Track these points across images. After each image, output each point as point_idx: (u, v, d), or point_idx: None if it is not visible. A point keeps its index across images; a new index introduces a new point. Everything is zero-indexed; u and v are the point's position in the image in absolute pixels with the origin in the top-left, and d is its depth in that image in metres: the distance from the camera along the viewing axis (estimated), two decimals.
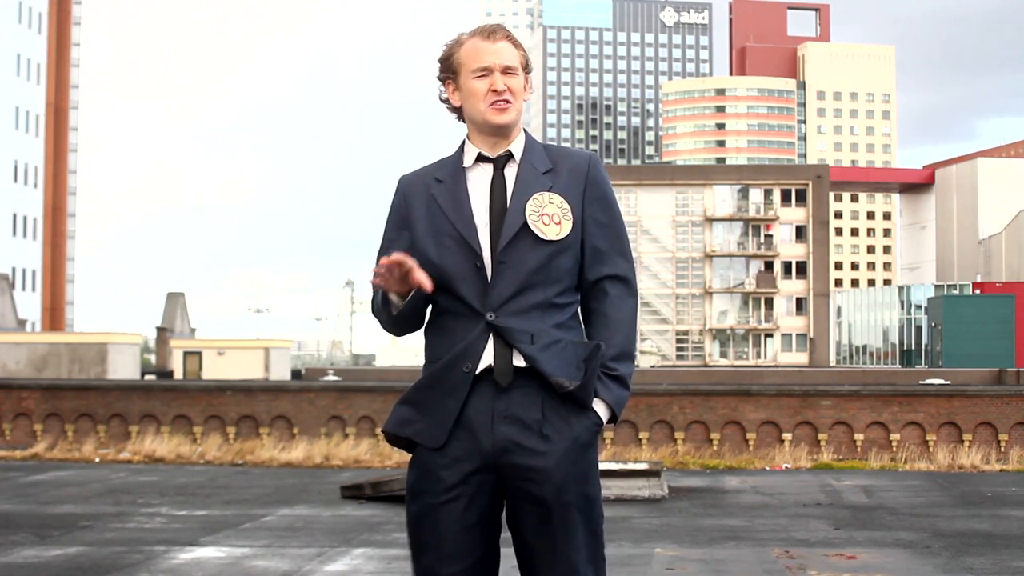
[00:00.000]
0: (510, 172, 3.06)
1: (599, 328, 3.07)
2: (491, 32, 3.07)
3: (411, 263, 2.93)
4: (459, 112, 3.13)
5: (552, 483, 2.94)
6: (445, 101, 3.13)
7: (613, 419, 3.06)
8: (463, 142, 3.13)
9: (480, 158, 3.07)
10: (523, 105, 3.10)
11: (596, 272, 3.07)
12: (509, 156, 3.07)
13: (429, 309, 3.12)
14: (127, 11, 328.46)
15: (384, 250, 3.11)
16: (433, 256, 3.01)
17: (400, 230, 3.10)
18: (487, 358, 2.96)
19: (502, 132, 3.06)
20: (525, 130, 3.15)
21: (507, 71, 3.05)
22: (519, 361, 2.96)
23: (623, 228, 3.13)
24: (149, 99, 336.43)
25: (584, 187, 3.07)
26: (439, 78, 3.13)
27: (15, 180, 76.72)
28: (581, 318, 3.14)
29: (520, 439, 2.94)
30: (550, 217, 3.00)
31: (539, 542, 2.98)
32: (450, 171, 3.09)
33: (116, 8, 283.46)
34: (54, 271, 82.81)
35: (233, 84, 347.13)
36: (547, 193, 3.02)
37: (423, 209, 3.06)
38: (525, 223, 2.98)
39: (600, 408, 3.01)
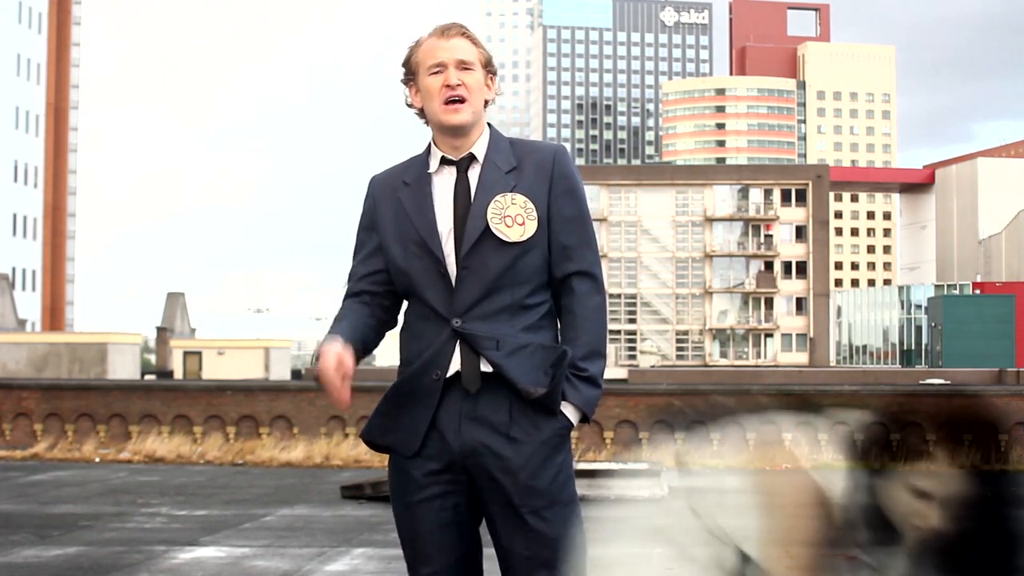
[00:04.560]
0: (474, 174, 3.02)
1: (568, 327, 3.03)
2: (445, 30, 3.04)
3: (343, 371, 2.93)
4: (424, 115, 3.08)
5: (520, 486, 2.91)
6: (410, 106, 3.10)
7: (585, 419, 3.03)
8: (429, 144, 3.10)
9: (444, 161, 3.04)
10: (482, 104, 3.04)
11: (563, 269, 3.03)
12: (472, 158, 3.03)
13: (403, 311, 3.12)
14: (127, 11, 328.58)
15: (357, 251, 3.12)
16: (400, 261, 3.01)
17: (369, 232, 3.10)
18: (455, 364, 2.95)
19: (460, 132, 3.01)
20: (491, 125, 3.10)
21: (461, 66, 3.00)
22: (486, 367, 2.93)
23: (589, 219, 3.09)
24: (149, 99, 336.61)
25: (550, 182, 3.02)
26: (403, 81, 3.10)
27: (15, 180, 76.72)
28: (555, 315, 3.10)
29: (487, 441, 2.92)
30: (512, 219, 2.96)
31: (514, 547, 2.94)
32: (416, 174, 3.06)
33: (116, 8, 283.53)
34: (54, 271, 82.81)
35: (234, 85, 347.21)
36: (509, 194, 2.98)
37: (390, 213, 3.05)
38: (487, 227, 2.94)
39: (569, 411, 2.98)
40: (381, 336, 3.17)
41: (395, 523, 3.07)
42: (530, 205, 2.98)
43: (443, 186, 3.02)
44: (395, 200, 3.05)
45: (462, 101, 2.99)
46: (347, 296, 3.14)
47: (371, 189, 3.13)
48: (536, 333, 2.98)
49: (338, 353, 2.92)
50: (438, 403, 2.96)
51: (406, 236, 3.01)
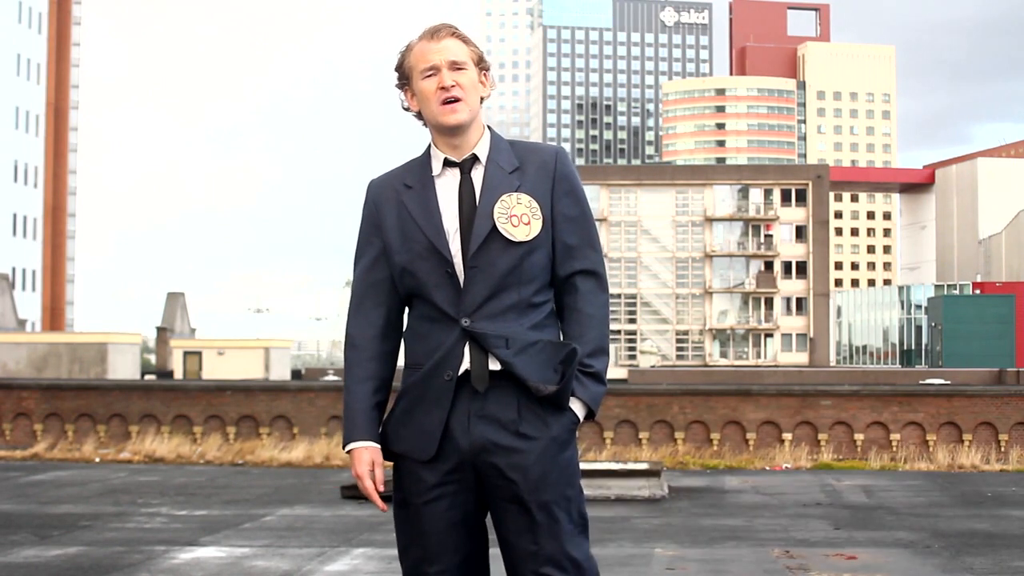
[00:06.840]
0: (477, 175, 3.04)
1: (573, 324, 3.06)
2: (435, 32, 3.06)
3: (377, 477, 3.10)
4: (423, 118, 3.11)
5: (530, 482, 2.95)
6: (407, 109, 3.12)
7: (590, 416, 3.07)
8: (429, 146, 3.11)
9: (447, 163, 3.06)
10: (478, 102, 3.06)
11: (567, 268, 3.07)
12: (475, 159, 3.06)
13: (407, 313, 3.12)
14: (127, 11, 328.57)
15: (359, 257, 3.12)
16: (406, 264, 3.02)
17: (372, 236, 3.10)
18: (465, 363, 2.97)
19: (458, 132, 3.03)
20: (490, 128, 3.13)
21: (454, 67, 3.03)
22: (495, 365, 2.96)
23: (592, 220, 3.13)
24: (150, 99, 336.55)
25: (552, 183, 3.06)
26: (397, 86, 3.12)
27: (15, 180, 76.73)
28: (557, 314, 3.13)
29: (496, 438, 2.95)
30: (519, 218, 2.99)
31: (521, 542, 2.98)
32: (419, 177, 3.07)
33: (116, 8, 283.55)
34: (54, 271, 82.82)
35: (234, 85, 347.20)
36: (515, 194, 3.01)
37: (394, 217, 3.06)
38: (494, 226, 2.97)
39: (576, 406, 3.02)
40: (397, 356, 3.18)
41: (396, 524, 3.09)
42: (535, 204, 3.02)
43: (447, 188, 3.05)
44: (398, 203, 3.06)
45: (458, 100, 3.01)
46: (357, 310, 3.12)
47: (371, 194, 3.14)
48: (542, 331, 3.02)
49: (371, 460, 3.08)
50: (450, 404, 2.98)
51: (412, 238, 3.02)
